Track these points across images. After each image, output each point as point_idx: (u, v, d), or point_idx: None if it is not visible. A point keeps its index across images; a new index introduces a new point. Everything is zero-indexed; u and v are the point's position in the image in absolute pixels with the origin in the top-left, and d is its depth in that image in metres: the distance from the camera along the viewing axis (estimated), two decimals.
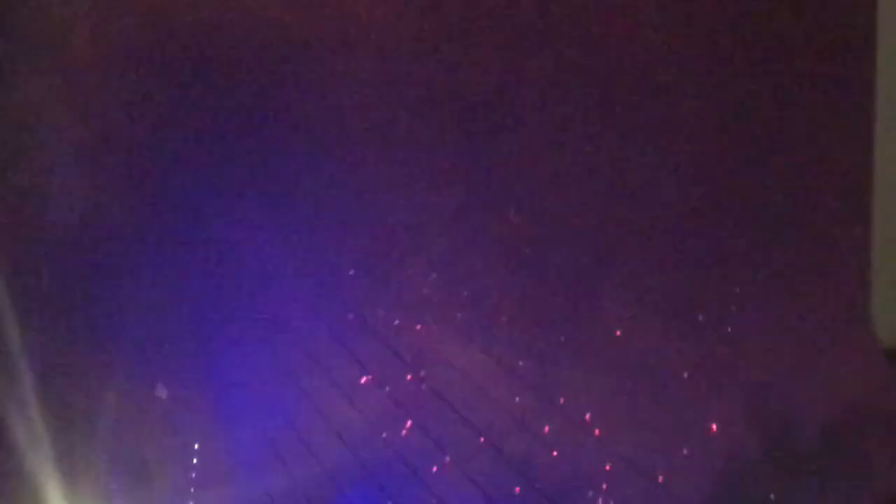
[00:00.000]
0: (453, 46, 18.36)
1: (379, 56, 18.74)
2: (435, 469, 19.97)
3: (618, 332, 18.47)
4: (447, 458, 19.53)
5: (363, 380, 21.86)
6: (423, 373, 20.01)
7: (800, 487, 16.80)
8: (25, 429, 19.17)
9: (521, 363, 19.31)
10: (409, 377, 20.18)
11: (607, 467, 19.57)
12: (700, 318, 17.97)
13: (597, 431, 18.38)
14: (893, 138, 1.19)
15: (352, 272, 20.83)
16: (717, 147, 17.97)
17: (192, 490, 22.70)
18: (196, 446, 22.98)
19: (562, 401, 18.85)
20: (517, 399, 19.23)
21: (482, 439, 19.33)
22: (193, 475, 22.80)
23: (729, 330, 17.95)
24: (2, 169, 19.34)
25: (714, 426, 17.76)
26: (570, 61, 18.01)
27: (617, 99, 17.86)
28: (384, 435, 20.76)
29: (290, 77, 19.35)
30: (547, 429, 19.01)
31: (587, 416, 18.64)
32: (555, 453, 19.01)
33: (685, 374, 18.07)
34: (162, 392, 22.04)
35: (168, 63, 19.16)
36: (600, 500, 19.85)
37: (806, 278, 17.33)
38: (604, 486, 18.90)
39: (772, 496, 16.91)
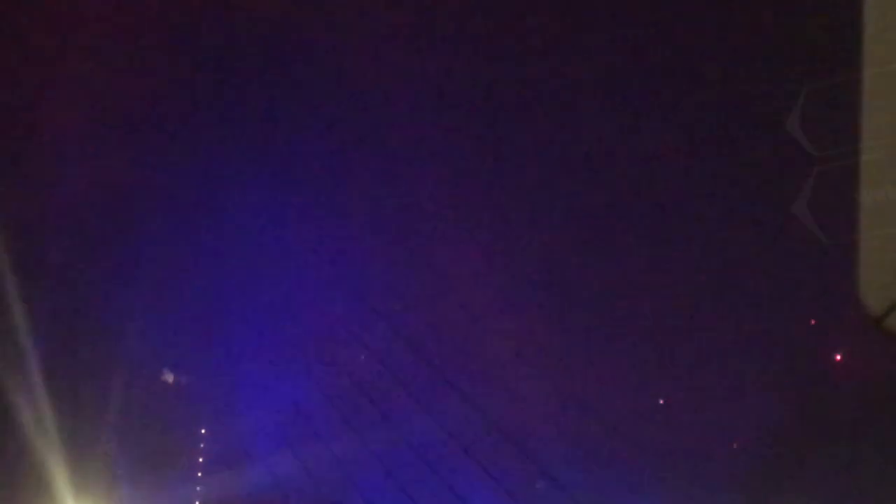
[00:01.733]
0: (468, 35, 18.07)
1: (394, 45, 18.43)
2: (445, 455, 19.88)
3: (635, 296, 18.24)
4: (458, 445, 19.40)
5: (362, 356, 21.71)
6: (432, 358, 19.83)
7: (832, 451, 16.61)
8: (32, 415, 19.09)
9: (539, 343, 19.05)
10: (418, 362, 20.00)
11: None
12: (720, 280, 17.73)
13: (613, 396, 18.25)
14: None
15: (364, 257, 20.63)
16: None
17: (199, 475, 22.64)
18: (203, 432, 22.90)
19: (582, 373, 18.62)
20: (533, 383, 19.03)
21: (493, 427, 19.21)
22: (201, 460, 22.73)
23: (750, 294, 17.68)
24: (4, 146, 19.01)
25: (740, 388, 17.57)
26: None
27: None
28: (392, 420, 20.65)
29: (307, 51, 18.96)
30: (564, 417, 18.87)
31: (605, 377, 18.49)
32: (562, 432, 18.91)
33: (707, 337, 17.88)
34: (168, 377, 21.97)
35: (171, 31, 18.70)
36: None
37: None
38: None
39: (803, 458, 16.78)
